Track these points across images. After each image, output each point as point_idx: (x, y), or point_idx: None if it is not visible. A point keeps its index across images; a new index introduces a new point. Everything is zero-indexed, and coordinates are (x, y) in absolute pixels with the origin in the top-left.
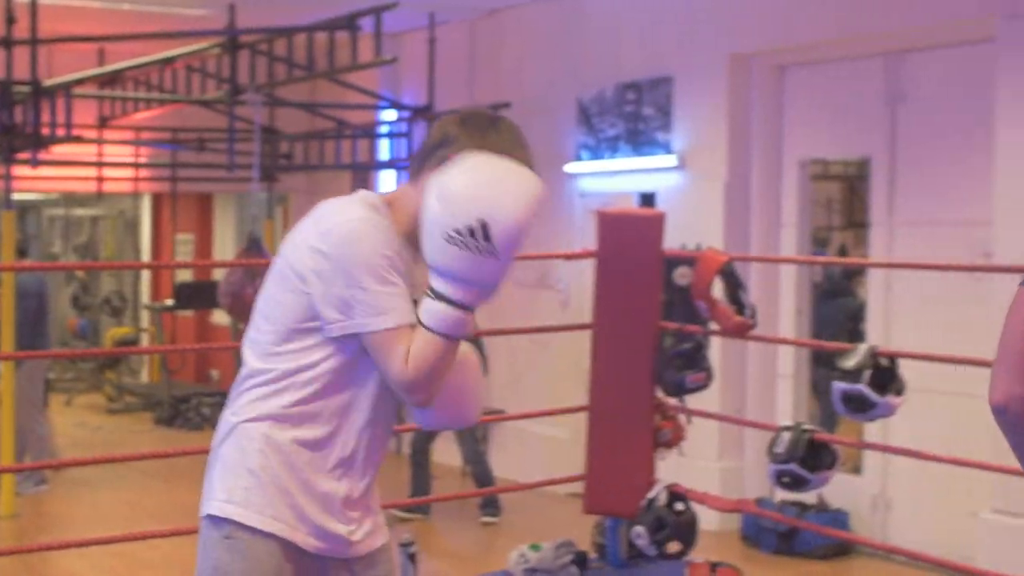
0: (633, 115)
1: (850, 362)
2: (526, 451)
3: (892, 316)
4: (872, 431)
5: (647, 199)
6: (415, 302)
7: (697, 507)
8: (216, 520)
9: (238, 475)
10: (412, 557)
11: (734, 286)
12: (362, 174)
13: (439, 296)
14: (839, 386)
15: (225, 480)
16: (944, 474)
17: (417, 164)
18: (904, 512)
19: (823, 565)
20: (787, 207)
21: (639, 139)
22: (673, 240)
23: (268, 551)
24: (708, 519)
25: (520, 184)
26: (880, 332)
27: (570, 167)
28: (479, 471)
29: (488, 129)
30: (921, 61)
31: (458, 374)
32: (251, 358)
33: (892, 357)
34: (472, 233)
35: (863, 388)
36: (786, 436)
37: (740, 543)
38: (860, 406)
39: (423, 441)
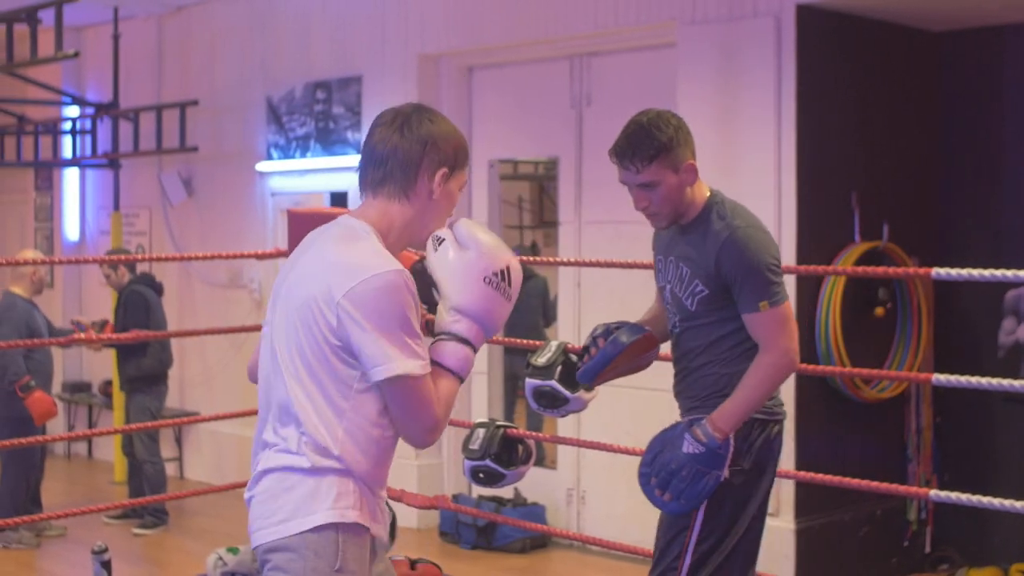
0: (323, 114)
1: (541, 358)
2: (221, 453)
3: (582, 312)
4: (566, 426)
5: (338, 198)
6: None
7: (396, 505)
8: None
9: None
10: (106, 565)
11: (426, 284)
12: (45, 171)
13: (462, 340)
14: (531, 383)
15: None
16: (633, 466)
17: (401, 177)
18: (597, 504)
19: (521, 558)
20: (478, 206)
21: (329, 138)
22: None
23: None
24: (407, 516)
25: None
26: (571, 328)
27: (261, 166)
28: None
29: (446, 120)
30: (606, 65)
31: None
32: None
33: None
34: (503, 276)
35: (554, 384)
36: (480, 432)
37: (439, 539)
38: (552, 402)
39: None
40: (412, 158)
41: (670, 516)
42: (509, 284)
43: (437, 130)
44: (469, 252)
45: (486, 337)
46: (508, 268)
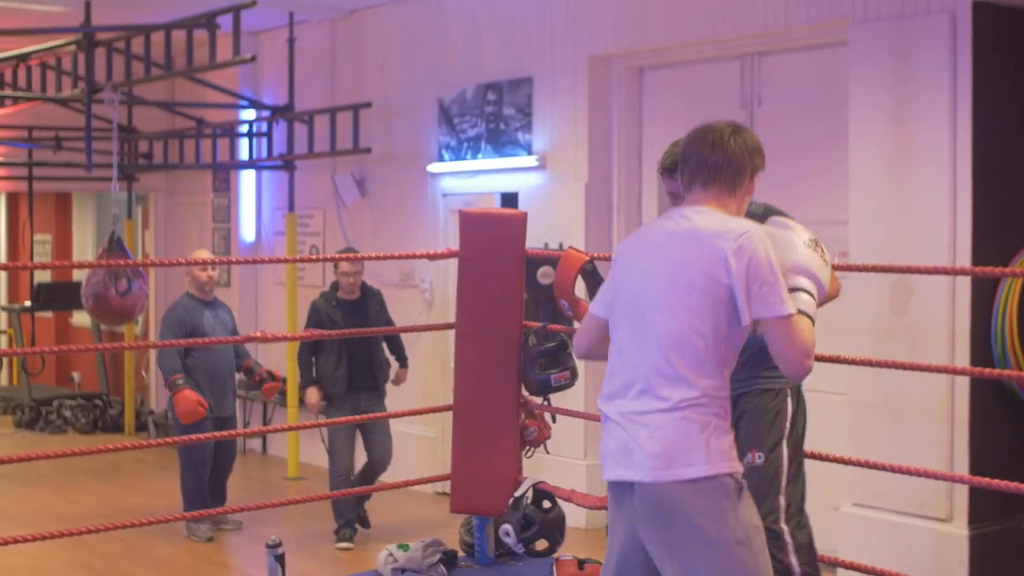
0: (494, 115)
1: None
2: (393, 450)
3: None
4: None
5: (509, 199)
6: None
7: (564, 504)
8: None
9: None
10: (280, 559)
11: (596, 285)
12: (223, 173)
13: (806, 291)
14: None
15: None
16: (807, 469)
17: (732, 178)
18: None
19: None
20: (647, 206)
21: (500, 139)
22: (535, 240)
23: None
24: (576, 516)
25: None
26: None
27: (432, 167)
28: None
29: (754, 135)
30: (777, 64)
31: None
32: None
33: None
34: (816, 242)
35: None
36: None
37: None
38: None
39: None
40: (743, 164)
41: (759, 470)
42: (823, 249)
43: (754, 142)
44: (789, 230)
45: (820, 290)
46: (816, 238)
